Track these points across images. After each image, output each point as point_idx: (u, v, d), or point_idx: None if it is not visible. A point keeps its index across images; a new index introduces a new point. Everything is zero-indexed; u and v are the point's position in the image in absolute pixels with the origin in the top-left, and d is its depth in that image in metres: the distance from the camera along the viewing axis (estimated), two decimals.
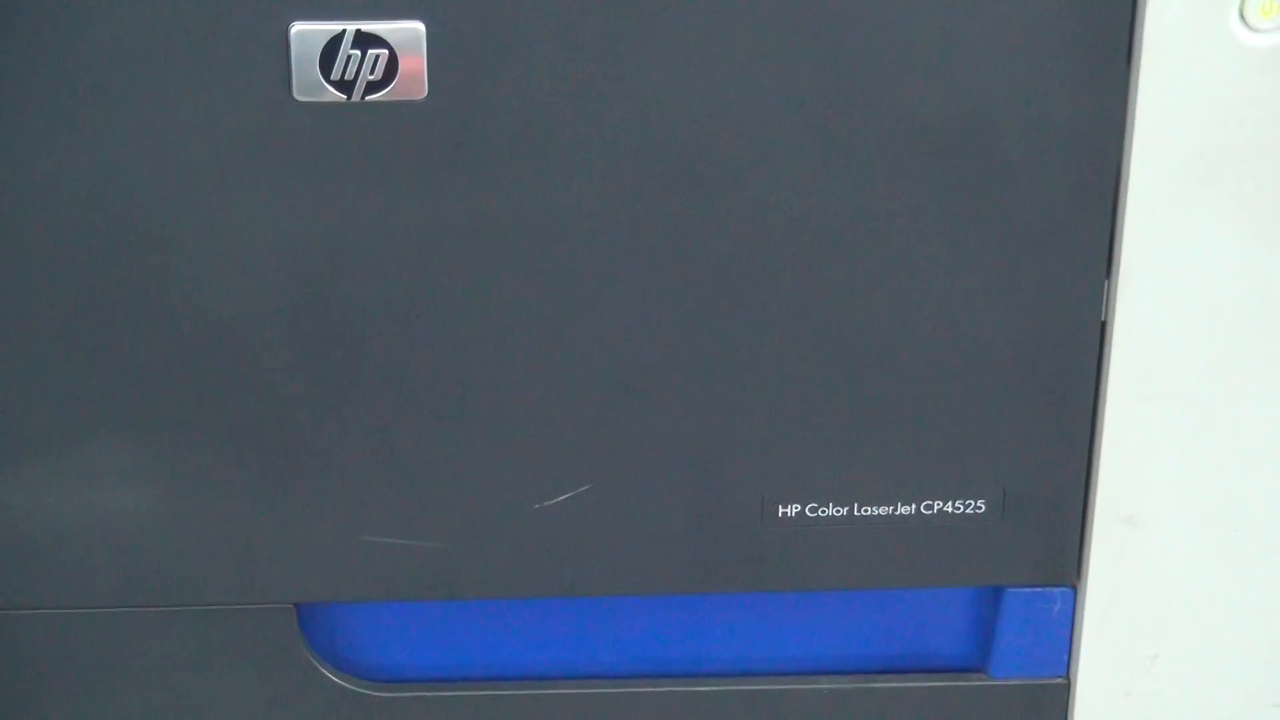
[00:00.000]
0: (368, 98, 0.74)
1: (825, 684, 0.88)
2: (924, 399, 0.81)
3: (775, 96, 0.75)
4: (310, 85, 0.74)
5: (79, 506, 0.82)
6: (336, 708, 0.87)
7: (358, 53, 0.73)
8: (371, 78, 0.74)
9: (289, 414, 0.81)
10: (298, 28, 0.73)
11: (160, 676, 0.87)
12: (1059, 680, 0.88)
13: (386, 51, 0.73)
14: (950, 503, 0.83)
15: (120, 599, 0.85)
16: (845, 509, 0.83)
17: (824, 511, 0.83)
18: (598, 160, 0.76)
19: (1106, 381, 0.81)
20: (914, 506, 0.83)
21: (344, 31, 0.73)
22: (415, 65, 0.74)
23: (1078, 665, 0.87)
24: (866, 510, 0.83)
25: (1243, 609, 0.86)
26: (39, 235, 0.76)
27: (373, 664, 0.88)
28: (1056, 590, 0.86)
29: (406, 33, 0.73)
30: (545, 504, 0.82)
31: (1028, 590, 0.86)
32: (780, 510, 0.83)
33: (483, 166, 0.76)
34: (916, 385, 0.81)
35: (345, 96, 0.74)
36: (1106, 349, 0.81)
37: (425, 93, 0.74)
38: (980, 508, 0.83)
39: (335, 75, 0.74)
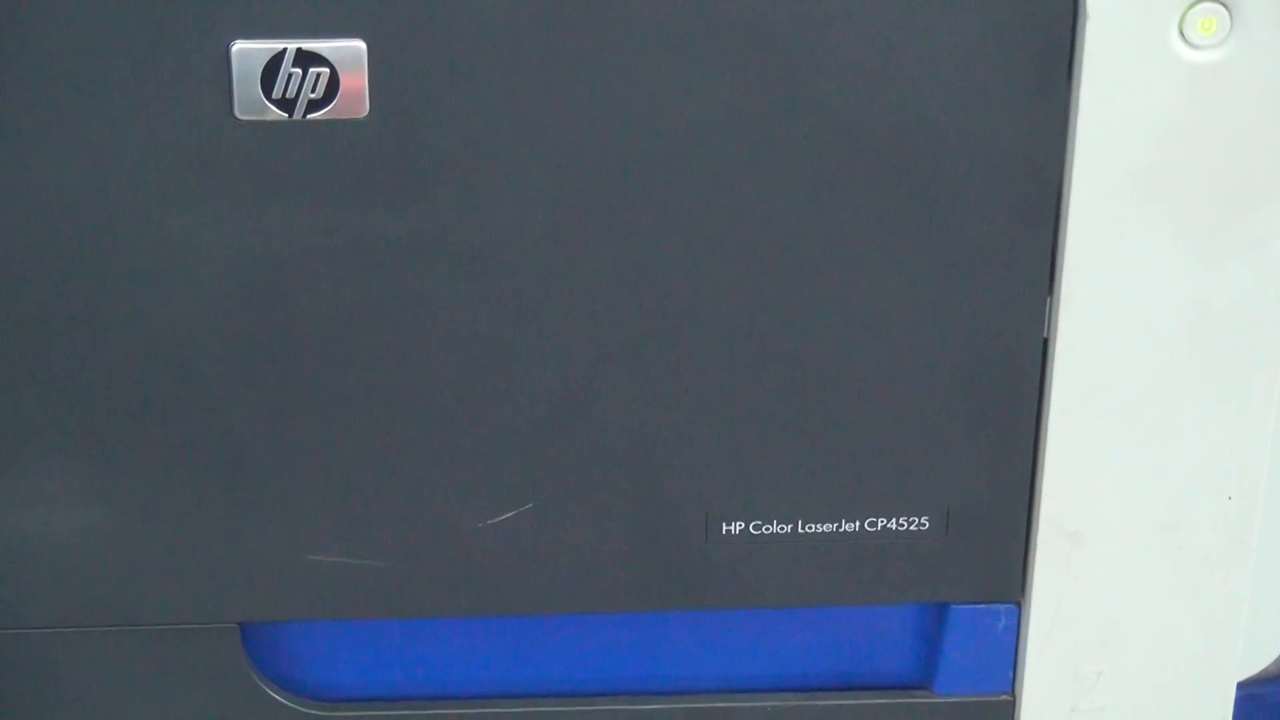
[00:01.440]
0: (309, 116, 0.73)
1: (770, 701, 0.87)
2: (867, 416, 0.80)
3: (722, 119, 0.74)
4: (252, 103, 0.73)
5: (19, 526, 0.81)
6: None
7: (299, 71, 0.72)
8: (313, 96, 0.73)
9: (232, 433, 0.79)
10: (239, 46, 0.72)
11: (103, 698, 0.86)
12: (1004, 697, 0.87)
13: (328, 70, 0.72)
14: (894, 520, 0.82)
15: (62, 619, 0.83)
16: (789, 526, 0.82)
17: (768, 529, 0.82)
18: (538, 178, 0.75)
19: (1049, 398, 0.80)
20: (857, 524, 0.82)
21: (285, 50, 0.72)
22: (356, 84, 0.73)
23: (1023, 682, 0.86)
24: (810, 528, 0.82)
25: (1185, 623, 0.85)
26: None
27: (318, 683, 0.87)
28: (1001, 607, 0.85)
29: (347, 51, 0.72)
30: (489, 522, 0.81)
31: (972, 607, 0.85)
32: (724, 527, 0.82)
33: (423, 184, 0.75)
34: (859, 402, 0.80)
35: (287, 115, 0.73)
36: (1049, 366, 0.80)
37: (366, 111, 0.73)
38: (924, 525, 0.82)
39: (277, 94, 0.73)
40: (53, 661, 0.84)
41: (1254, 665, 0.88)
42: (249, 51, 0.72)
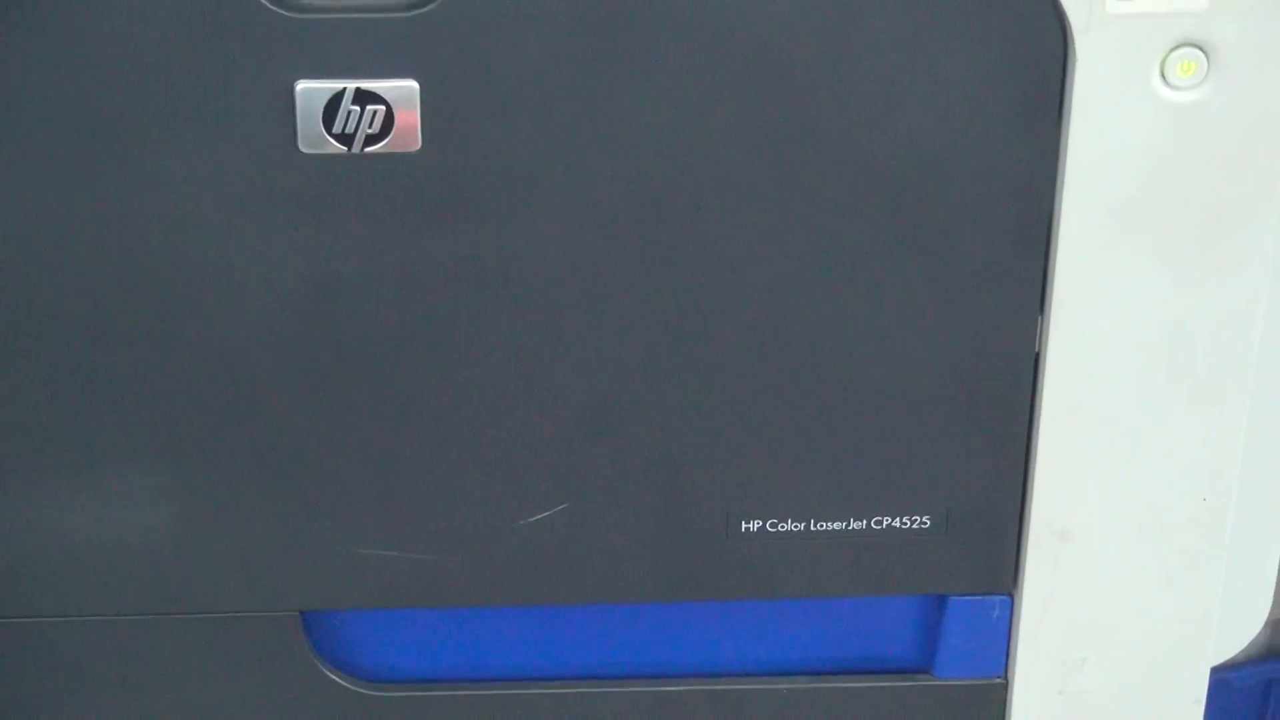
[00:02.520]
0: (367, 149, 0.73)
1: (784, 684, 0.88)
2: (873, 424, 0.81)
3: (740, 151, 0.75)
4: (314, 138, 0.73)
5: (104, 524, 0.81)
6: (337, 706, 0.87)
7: (357, 108, 0.73)
8: (370, 131, 0.73)
9: (295, 440, 0.80)
10: (302, 85, 0.72)
11: (177, 679, 0.86)
12: (998, 680, 0.88)
13: (384, 107, 0.73)
14: (898, 519, 0.83)
15: (140, 608, 0.84)
16: (803, 524, 0.82)
17: (783, 527, 0.82)
18: (575, 206, 0.75)
19: (1040, 408, 0.81)
20: (865, 522, 0.82)
21: (345, 89, 0.72)
22: (410, 120, 0.73)
23: (1015, 666, 0.87)
24: (822, 525, 0.82)
25: (1163, 614, 0.86)
26: (70, 276, 0.76)
27: (370, 665, 0.88)
28: (995, 598, 0.86)
29: (402, 90, 0.73)
30: (528, 520, 0.82)
31: (969, 598, 0.86)
32: (743, 525, 0.82)
33: (471, 212, 0.75)
34: (866, 411, 0.80)
35: (346, 148, 0.73)
36: (1040, 378, 0.80)
37: (419, 145, 0.74)
38: (925, 523, 0.83)
39: (337, 129, 0.73)
40: (134, 646, 0.85)
41: (1226, 652, 0.88)
42: (312, 90, 0.72)
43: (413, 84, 0.72)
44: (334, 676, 0.86)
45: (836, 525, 0.82)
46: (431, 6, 0.71)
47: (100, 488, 0.81)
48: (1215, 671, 0.88)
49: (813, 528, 0.82)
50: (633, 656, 0.88)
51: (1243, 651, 0.90)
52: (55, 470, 0.80)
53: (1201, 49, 0.74)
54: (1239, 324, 0.79)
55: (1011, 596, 0.85)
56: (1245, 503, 0.85)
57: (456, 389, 0.79)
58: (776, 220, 0.76)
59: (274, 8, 0.71)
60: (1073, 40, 0.73)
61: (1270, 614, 0.90)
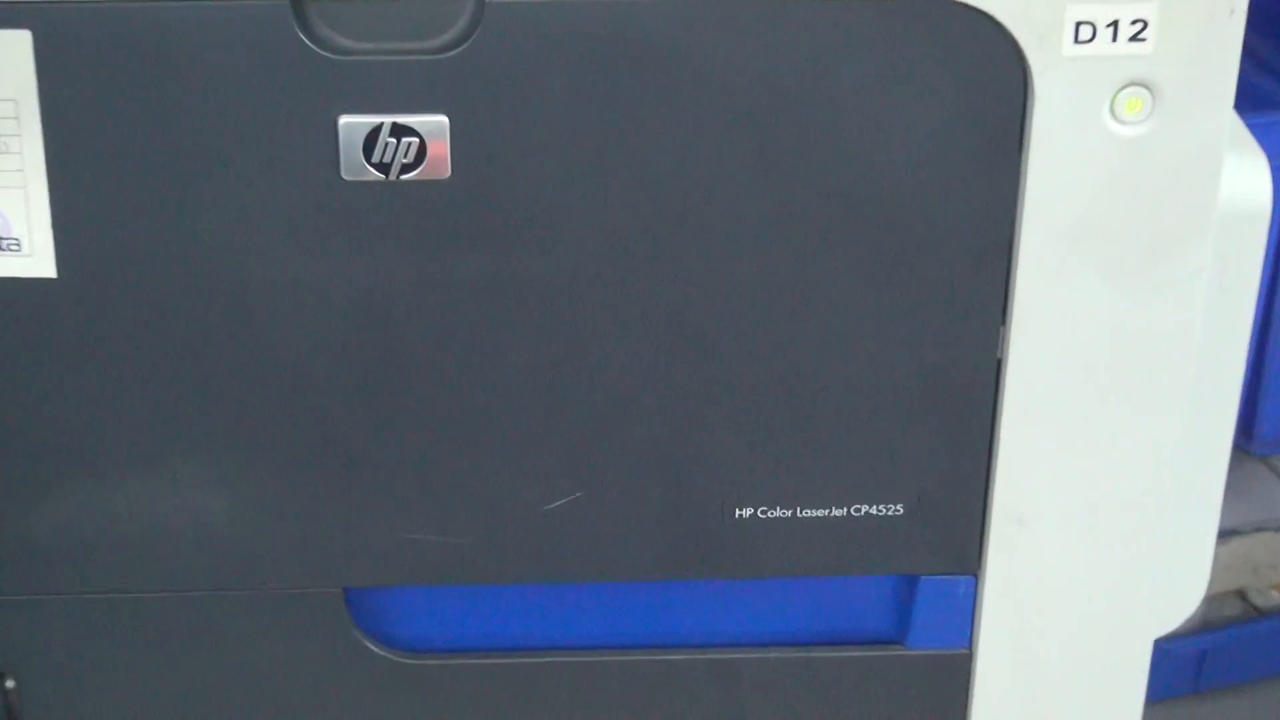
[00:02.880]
0: (402, 177, 0.73)
1: (773, 654, 0.87)
2: (853, 424, 0.80)
3: (735, 187, 0.74)
4: (355, 167, 0.73)
5: (172, 510, 0.81)
6: (375, 673, 0.86)
7: (394, 140, 0.72)
8: (405, 160, 0.72)
9: (340, 435, 0.79)
10: (344, 120, 0.72)
11: (232, 650, 0.86)
12: (963, 651, 0.87)
13: (417, 140, 0.72)
14: (874, 506, 0.82)
15: (201, 585, 0.84)
16: (790, 512, 0.82)
17: (772, 514, 0.82)
18: (589, 229, 0.75)
19: (1001, 409, 0.80)
20: (845, 510, 0.82)
21: (382, 123, 0.72)
22: (440, 150, 0.72)
23: (979, 638, 0.86)
24: (806, 513, 0.82)
25: (1109, 592, 0.85)
26: (153, 290, 0.75)
27: (406, 637, 0.87)
28: (961, 578, 0.85)
29: (433, 124, 0.72)
30: (548, 507, 0.81)
31: (937, 578, 0.85)
32: (737, 512, 0.82)
33: (495, 232, 0.75)
34: (847, 413, 0.80)
35: (384, 176, 0.73)
36: (1001, 383, 0.79)
37: (449, 173, 0.73)
38: (899, 510, 0.82)
39: (375, 159, 0.72)
40: (195, 619, 0.84)
41: (1167, 626, 0.87)
42: (353, 124, 0.71)
43: (443, 119, 0.72)
44: (372, 646, 0.85)
45: (820, 512, 0.82)
46: (459, 50, 0.71)
47: (170, 478, 0.80)
48: (1156, 643, 0.87)
49: (798, 514, 0.82)
50: (638, 628, 0.87)
51: (1181, 625, 0.89)
52: (132, 461, 0.79)
53: (1147, 88, 0.73)
54: (1178, 334, 0.79)
55: (975, 576, 0.84)
56: (1184, 494, 0.84)
57: (483, 391, 0.78)
58: (769, 247, 0.76)
59: (320, 51, 0.70)
60: (1032, 81, 0.72)
61: (1205, 593, 0.89)
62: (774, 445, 0.80)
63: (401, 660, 0.86)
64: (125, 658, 0.85)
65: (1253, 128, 0.81)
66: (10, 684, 0.84)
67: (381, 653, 0.85)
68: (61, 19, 0.70)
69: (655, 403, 0.79)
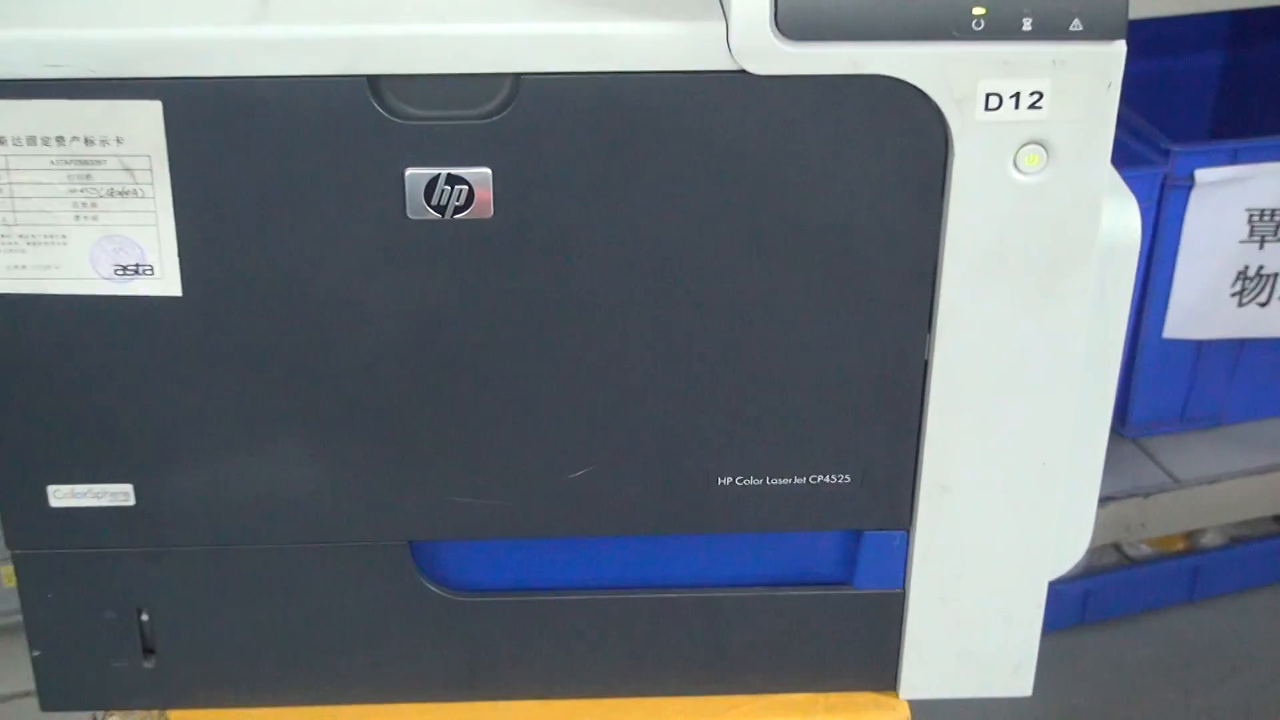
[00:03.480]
0: (455, 217, 0.72)
1: (749, 592, 0.87)
2: (811, 411, 0.80)
3: (719, 226, 0.74)
4: (418, 209, 0.72)
5: (271, 479, 0.80)
6: (435, 610, 0.86)
7: (449, 187, 0.72)
8: (457, 204, 0.72)
9: (407, 422, 0.79)
10: (410, 171, 0.72)
11: (320, 590, 0.85)
12: (898, 590, 0.86)
13: (467, 187, 0.72)
14: (828, 476, 0.81)
15: (291, 539, 0.83)
16: (761, 480, 0.81)
17: (748, 482, 0.81)
18: (603, 258, 0.75)
19: (928, 399, 0.80)
20: (805, 479, 0.81)
21: (440, 174, 0.72)
22: (485, 196, 0.72)
23: (910, 580, 0.85)
24: (775, 481, 0.81)
25: (1014, 544, 0.84)
26: (254, 306, 0.75)
27: (459, 580, 0.86)
28: (896, 532, 0.84)
29: (480, 175, 0.72)
30: (570, 477, 0.81)
31: (878, 533, 0.85)
32: (719, 481, 0.81)
33: (528, 261, 0.75)
34: (806, 403, 0.79)
35: (441, 216, 0.72)
36: (928, 378, 0.79)
37: (492, 214, 0.73)
38: (847, 480, 0.82)
39: (434, 202, 0.72)
40: (286, 568, 0.84)
41: (1058, 570, 0.87)
42: (416, 175, 0.71)
43: (487, 171, 0.72)
44: (432, 588, 0.85)
45: (784, 481, 0.81)
46: (500, 116, 0.71)
47: (271, 455, 0.80)
48: (1050, 583, 0.87)
49: (768, 483, 0.81)
50: (640, 572, 0.87)
51: (1069, 571, 0.88)
52: (240, 441, 0.79)
53: (1043, 146, 0.73)
54: (1067, 339, 0.78)
55: (907, 531, 0.84)
56: (1073, 467, 0.83)
57: (519, 386, 0.78)
58: (747, 273, 0.75)
59: (390, 117, 0.70)
60: (953, 140, 0.72)
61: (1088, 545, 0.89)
62: (748, 427, 0.80)
63: (453, 598, 0.85)
64: (235, 596, 0.84)
65: (1126, 179, 0.81)
66: (145, 616, 0.84)
67: (438, 591, 0.85)
68: (186, 91, 0.70)
69: (655, 396, 0.78)
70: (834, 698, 0.88)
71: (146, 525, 0.81)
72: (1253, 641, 1.78)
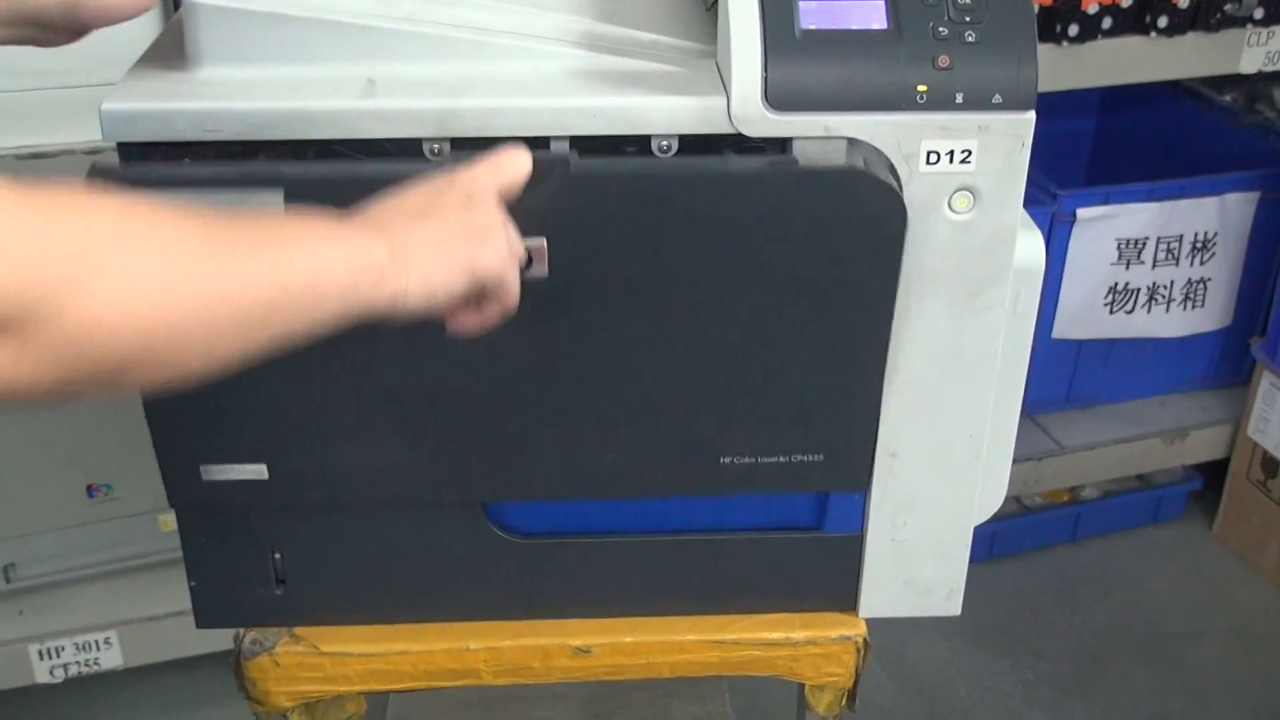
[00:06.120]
0: (524, 274, 0.69)
1: (746, 535, 0.86)
2: (794, 406, 0.79)
3: (724, 274, 0.74)
4: None
5: (379, 453, 0.79)
6: (502, 551, 0.85)
7: None
8: (522, 264, 0.68)
9: (483, 416, 0.79)
10: None
11: (415, 538, 0.84)
12: (858, 534, 0.85)
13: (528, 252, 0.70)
14: (806, 455, 0.80)
15: (392, 500, 0.82)
16: (754, 459, 0.80)
17: (743, 460, 0.80)
18: (633, 301, 0.74)
19: (886, 391, 0.79)
20: (789, 457, 0.80)
21: None
22: (541, 258, 0.71)
23: (868, 525, 0.85)
24: (765, 459, 0.80)
25: (947, 498, 0.84)
26: (358, 331, 0.70)
27: (522, 527, 0.86)
28: (858, 494, 0.84)
29: (538, 243, 0.71)
30: (606, 456, 0.80)
31: (843, 494, 0.84)
32: (721, 459, 0.80)
33: (576, 306, 0.74)
34: (790, 400, 0.78)
35: None
36: (886, 374, 0.78)
37: (547, 273, 0.71)
38: (820, 457, 0.81)
39: None
40: (388, 524, 0.83)
41: (980, 518, 0.86)
42: None
43: (543, 240, 0.71)
44: (500, 533, 0.84)
45: (772, 460, 0.80)
46: (553, 197, 0.69)
47: (379, 434, 0.79)
48: (976, 528, 0.86)
49: (759, 461, 0.80)
50: (661, 521, 0.86)
51: (989, 519, 0.88)
52: (354, 425, 0.78)
53: (971, 192, 0.73)
54: (989, 341, 0.78)
55: (866, 491, 0.83)
56: (993, 438, 0.83)
57: (568, 392, 0.77)
58: (749, 305, 0.74)
59: None
60: (903, 187, 0.72)
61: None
62: (745, 421, 0.79)
63: (515, 540, 0.85)
64: (347, 542, 0.84)
65: (1031, 214, 0.80)
66: (277, 555, 0.84)
67: (505, 536, 0.84)
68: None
69: (673, 399, 0.78)
70: (808, 616, 0.88)
71: (277, 492, 0.80)
72: (1122, 572, 1.79)
